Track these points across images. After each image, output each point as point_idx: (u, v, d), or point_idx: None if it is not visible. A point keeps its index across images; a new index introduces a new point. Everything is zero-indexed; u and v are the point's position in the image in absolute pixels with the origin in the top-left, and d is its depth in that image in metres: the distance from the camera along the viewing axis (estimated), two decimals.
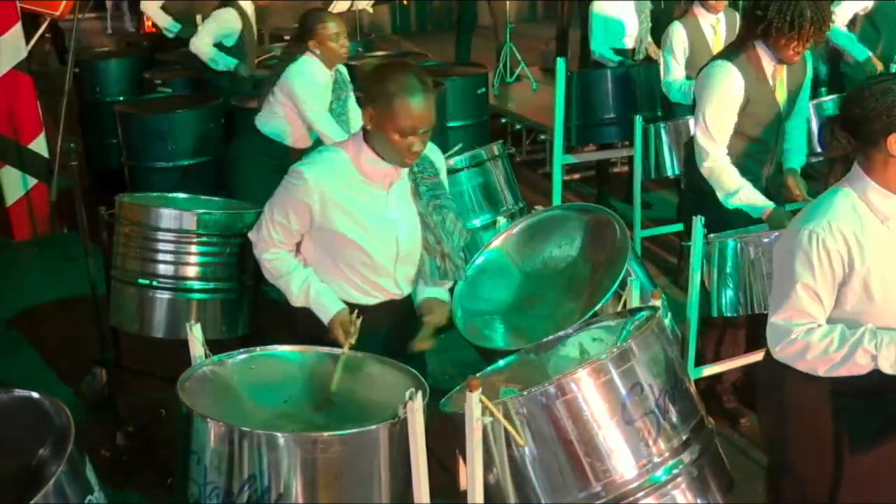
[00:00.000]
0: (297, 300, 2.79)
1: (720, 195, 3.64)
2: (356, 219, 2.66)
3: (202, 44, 6.09)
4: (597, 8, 5.95)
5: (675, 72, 5.05)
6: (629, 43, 5.96)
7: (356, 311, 2.71)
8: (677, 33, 5.01)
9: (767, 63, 3.57)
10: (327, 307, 2.74)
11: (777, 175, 3.84)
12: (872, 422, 2.40)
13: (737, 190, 3.57)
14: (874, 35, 5.65)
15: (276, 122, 4.58)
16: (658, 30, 5.68)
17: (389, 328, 2.83)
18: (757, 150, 3.71)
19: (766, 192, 3.69)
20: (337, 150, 2.70)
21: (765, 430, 2.68)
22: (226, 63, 6.12)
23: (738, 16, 4.97)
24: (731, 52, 3.63)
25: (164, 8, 7.12)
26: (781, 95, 3.67)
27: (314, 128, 4.43)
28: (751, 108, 3.60)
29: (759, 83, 3.58)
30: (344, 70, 4.62)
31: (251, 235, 2.89)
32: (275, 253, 2.81)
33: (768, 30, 3.41)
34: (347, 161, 2.66)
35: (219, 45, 6.09)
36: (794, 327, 2.33)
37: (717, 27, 4.97)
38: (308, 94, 4.36)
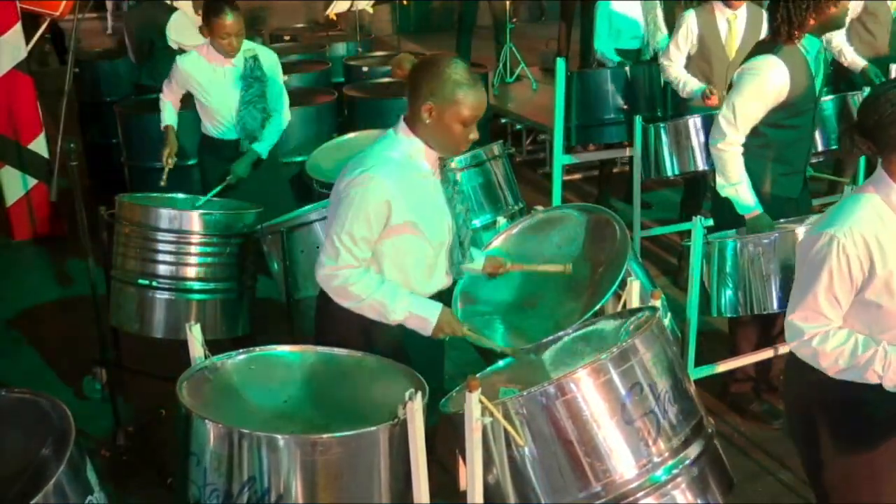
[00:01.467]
0: (394, 314, 2.66)
1: (719, 181, 3.71)
2: (424, 207, 2.67)
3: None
4: (604, 7, 5.95)
5: (673, 57, 5.06)
6: (634, 43, 5.95)
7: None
8: (687, 21, 5.01)
9: (810, 52, 3.63)
10: (430, 308, 2.69)
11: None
12: (888, 412, 2.44)
13: (737, 182, 3.64)
14: (867, 36, 5.66)
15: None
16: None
17: (417, 341, 2.77)
18: (798, 138, 3.75)
19: (805, 184, 3.78)
20: (389, 145, 2.67)
21: (790, 399, 2.72)
22: None
23: (763, 14, 4.95)
24: (772, 46, 3.63)
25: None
26: (818, 83, 3.72)
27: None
28: (792, 99, 3.62)
29: (802, 74, 3.62)
30: (264, 56, 4.54)
31: (327, 271, 2.66)
32: (360, 274, 2.66)
33: (817, 4, 3.47)
34: (404, 154, 2.65)
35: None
36: (808, 329, 2.39)
37: (733, 22, 4.95)
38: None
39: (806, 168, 3.86)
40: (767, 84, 3.56)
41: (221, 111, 4.47)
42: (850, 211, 2.36)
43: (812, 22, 3.55)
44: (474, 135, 2.66)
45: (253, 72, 4.43)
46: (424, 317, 2.68)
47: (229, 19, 4.29)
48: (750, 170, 3.68)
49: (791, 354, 2.59)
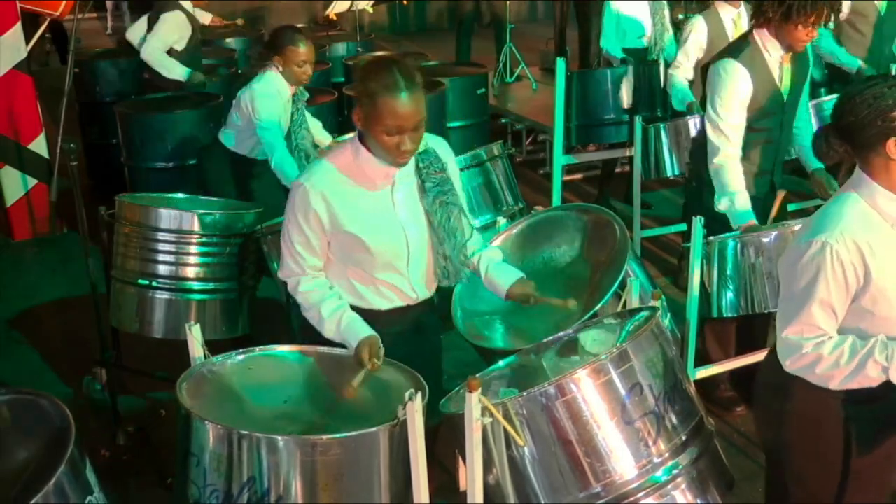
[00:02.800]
0: (328, 330, 2.65)
1: (718, 192, 3.67)
2: (363, 220, 2.59)
3: (152, 50, 6.03)
4: (612, 6, 5.95)
5: (682, 65, 5.06)
6: (641, 43, 5.95)
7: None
8: (698, 28, 5.00)
9: (772, 53, 3.62)
10: (358, 332, 2.61)
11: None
12: (877, 425, 2.39)
13: (734, 192, 3.61)
14: (857, 37, 5.66)
15: (232, 133, 4.58)
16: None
17: (400, 332, 2.74)
18: (764, 140, 3.75)
19: (772, 186, 3.78)
20: (335, 154, 2.64)
21: (766, 434, 2.63)
22: (179, 71, 6.08)
23: None
24: (735, 48, 3.68)
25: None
26: (786, 86, 3.71)
27: (266, 148, 4.37)
28: (755, 99, 3.64)
29: (762, 74, 3.62)
30: None
31: (280, 276, 2.74)
32: (307, 282, 2.68)
33: (788, 13, 3.44)
34: (347, 163, 2.59)
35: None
36: (805, 342, 2.29)
37: (738, 21, 4.95)
38: (266, 113, 4.33)
39: (775, 171, 3.85)
40: (736, 88, 3.58)
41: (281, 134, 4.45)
42: (838, 216, 2.27)
43: (773, 29, 3.54)
44: (406, 146, 2.48)
45: (299, 95, 4.48)
46: (349, 341, 2.61)
47: (303, 47, 4.30)
48: None
49: (768, 374, 2.51)
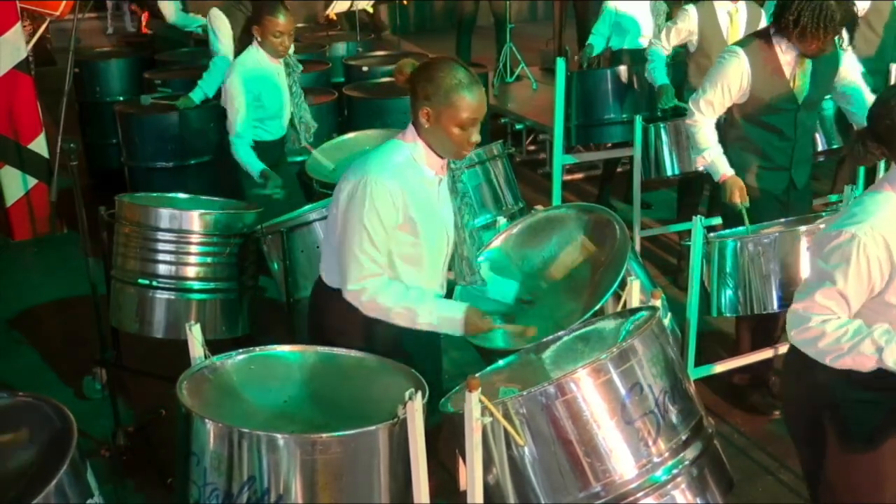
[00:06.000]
0: (421, 317, 2.64)
1: (692, 150, 3.95)
2: (423, 211, 2.64)
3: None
4: (611, 6, 5.95)
5: (662, 44, 5.12)
6: (643, 43, 5.95)
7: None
8: (687, 16, 5.04)
9: (786, 54, 3.67)
10: (455, 307, 2.67)
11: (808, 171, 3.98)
12: (888, 412, 2.44)
13: (706, 148, 3.82)
14: (871, 36, 5.65)
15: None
16: None
17: (407, 329, 2.72)
18: (774, 138, 3.80)
19: (792, 184, 3.87)
20: (394, 148, 2.67)
21: (794, 421, 2.68)
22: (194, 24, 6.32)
23: (762, 11, 4.98)
24: (747, 38, 3.85)
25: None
26: (801, 87, 3.72)
27: (228, 125, 4.41)
28: (760, 94, 3.71)
29: (769, 72, 3.66)
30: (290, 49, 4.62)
31: (355, 285, 2.62)
32: (385, 284, 2.64)
33: (803, 33, 3.51)
34: (408, 157, 2.65)
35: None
36: (812, 316, 2.35)
37: (734, 15, 4.96)
38: (233, 86, 4.35)
39: (794, 169, 3.86)
40: (728, 73, 3.72)
41: (271, 112, 4.49)
42: (871, 210, 2.33)
43: (793, 38, 3.58)
44: (475, 137, 2.62)
45: (293, 67, 4.53)
46: (451, 316, 2.65)
47: (282, 18, 4.32)
48: (732, 160, 3.83)
49: (788, 356, 2.58)
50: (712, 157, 3.81)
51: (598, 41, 6.08)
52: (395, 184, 2.58)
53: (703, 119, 3.82)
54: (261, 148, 4.48)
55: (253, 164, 4.32)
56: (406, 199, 2.60)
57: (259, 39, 4.38)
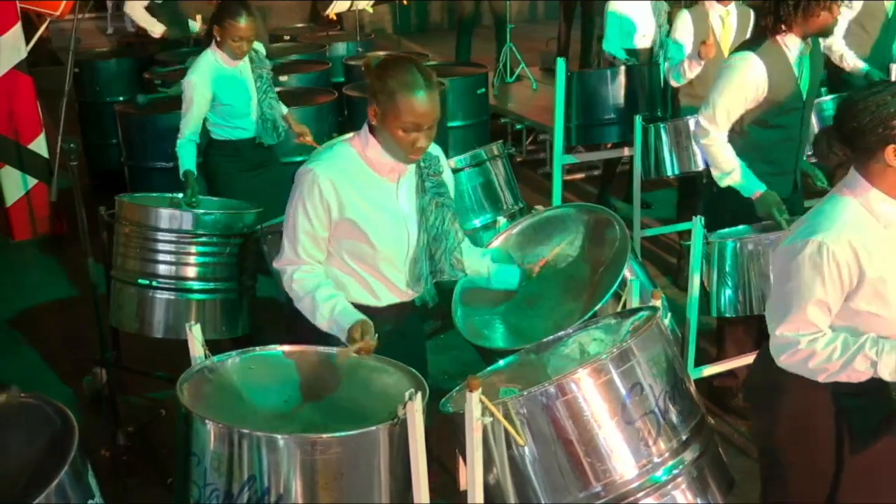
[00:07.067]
0: (321, 315, 2.62)
1: (714, 173, 3.75)
2: (369, 210, 2.62)
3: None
4: (612, 7, 5.95)
5: (676, 56, 5.11)
6: (642, 43, 5.95)
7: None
8: (682, 21, 5.07)
9: (791, 49, 3.62)
10: (352, 315, 2.59)
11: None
12: (872, 419, 2.40)
13: (731, 170, 3.68)
14: (864, 36, 5.66)
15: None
16: None
17: (389, 332, 2.72)
18: (786, 138, 3.75)
19: (795, 186, 3.81)
20: (342, 144, 2.67)
21: (759, 433, 2.64)
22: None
23: (751, 13, 4.99)
24: (754, 42, 3.70)
25: (149, 9, 6.97)
26: (805, 84, 3.71)
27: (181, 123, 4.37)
28: (774, 97, 3.63)
29: (782, 72, 3.62)
30: (259, 47, 4.57)
31: (275, 265, 2.71)
32: (303, 270, 2.66)
33: (808, 10, 3.47)
34: (354, 154, 2.63)
35: None
36: (801, 337, 2.31)
37: (726, 18, 4.98)
38: (189, 91, 4.32)
39: (797, 169, 3.86)
40: (744, 80, 3.59)
41: (238, 110, 4.44)
42: (834, 216, 2.29)
43: (799, 22, 3.54)
44: (421, 143, 2.54)
45: (258, 63, 4.46)
46: (340, 325, 2.58)
47: (243, 22, 4.26)
48: None
49: (752, 383, 2.53)
50: (740, 176, 3.66)
51: (613, 48, 6.05)
52: (330, 184, 2.56)
53: (718, 136, 3.67)
54: (236, 146, 4.49)
55: (183, 163, 4.28)
56: (342, 200, 2.57)
57: (218, 40, 4.33)
